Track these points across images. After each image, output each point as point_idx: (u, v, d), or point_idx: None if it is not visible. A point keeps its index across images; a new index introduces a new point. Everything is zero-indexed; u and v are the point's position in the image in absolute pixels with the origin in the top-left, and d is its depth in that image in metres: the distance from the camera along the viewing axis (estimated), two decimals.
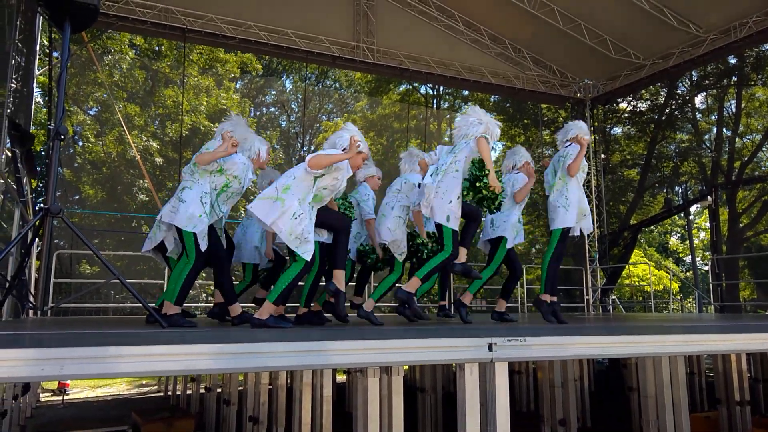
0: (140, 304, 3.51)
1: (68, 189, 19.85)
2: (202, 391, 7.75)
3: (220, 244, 4.38)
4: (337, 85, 28.43)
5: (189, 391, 8.40)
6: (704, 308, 14.62)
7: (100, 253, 3.63)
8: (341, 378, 10.45)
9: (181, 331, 3.22)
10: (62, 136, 3.52)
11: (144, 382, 11.93)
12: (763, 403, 7.82)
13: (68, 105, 18.72)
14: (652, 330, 3.75)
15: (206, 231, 4.15)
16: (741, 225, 20.71)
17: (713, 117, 22.23)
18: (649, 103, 21.93)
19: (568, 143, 5.52)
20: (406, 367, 8.23)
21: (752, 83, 20.61)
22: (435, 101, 27.61)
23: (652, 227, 25.50)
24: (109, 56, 19.64)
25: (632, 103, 21.81)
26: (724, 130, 21.49)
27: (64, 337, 2.61)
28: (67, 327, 3.86)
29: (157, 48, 20.95)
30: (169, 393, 9.66)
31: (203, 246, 4.08)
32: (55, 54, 12.06)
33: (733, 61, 19.25)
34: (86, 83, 19.67)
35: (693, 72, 19.27)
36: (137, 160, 16.09)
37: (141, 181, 19.43)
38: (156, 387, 11.23)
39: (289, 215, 3.81)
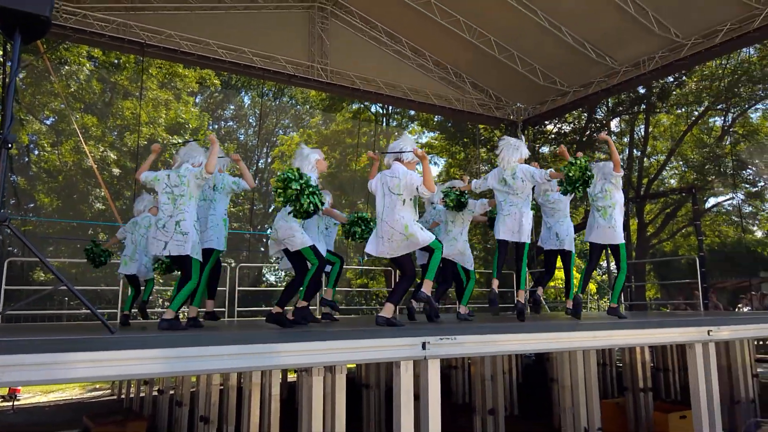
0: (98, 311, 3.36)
1: (22, 197, 18.92)
2: (155, 393, 7.46)
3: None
4: (294, 102, 28.22)
5: (142, 394, 8.05)
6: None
7: (48, 261, 3.45)
8: (293, 377, 10.30)
9: (131, 337, 3.10)
10: (10, 145, 3.31)
11: (97, 386, 11.30)
12: (663, 390, 8.15)
13: (23, 114, 17.79)
14: (567, 327, 3.86)
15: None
16: (647, 234, 21.61)
17: (626, 139, 23.14)
18: (572, 125, 22.64)
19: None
20: (354, 366, 8.19)
21: (658, 110, 21.58)
22: (384, 119, 27.74)
23: (574, 235, 26.24)
24: (66, 67, 18.79)
25: (558, 125, 22.47)
26: (635, 150, 22.41)
27: (9, 344, 2.47)
28: (15, 334, 3.67)
29: (115, 61, 20.17)
30: (123, 396, 9.23)
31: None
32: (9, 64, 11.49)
33: (642, 90, 20.06)
34: (42, 93, 18.80)
35: (609, 99, 20.01)
36: (93, 169, 15.47)
37: (98, 190, 18.70)
38: (109, 390, 10.66)
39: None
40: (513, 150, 5.64)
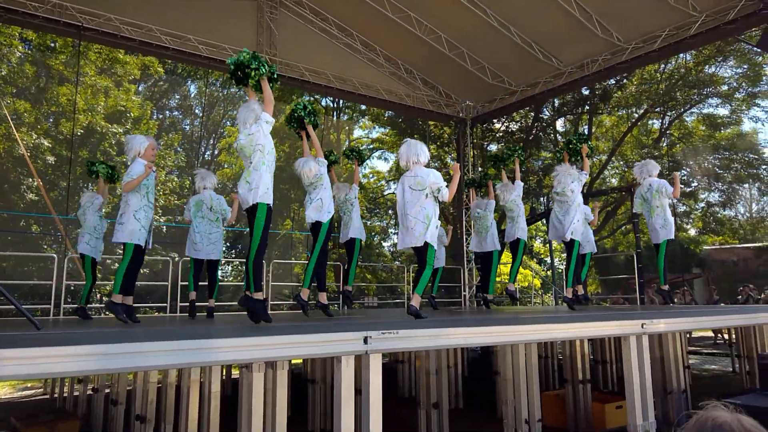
0: (31, 306, 3.17)
1: None
2: (90, 392, 7.17)
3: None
4: (242, 93, 27.67)
5: (76, 393, 7.72)
6: (559, 302, 15.54)
7: None
8: (237, 373, 10.11)
9: (61, 333, 2.96)
10: None
11: (29, 385, 10.75)
12: (601, 381, 8.43)
13: None
14: (509, 321, 3.92)
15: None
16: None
17: None
18: (519, 124, 23.10)
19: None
20: (300, 361, 8.11)
21: (600, 112, 22.32)
22: (335, 113, 27.58)
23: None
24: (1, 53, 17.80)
25: (505, 124, 22.88)
26: None
27: None
28: None
29: (51, 44, 19.16)
30: (55, 395, 8.80)
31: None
32: None
33: (586, 92, 20.66)
34: None
35: (555, 99, 20.52)
36: (25, 157, 14.67)
37: (30, 180, 17.74)
38: (42, 390, 10.15)
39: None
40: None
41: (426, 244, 4.83)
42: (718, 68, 21.35)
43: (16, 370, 1.93)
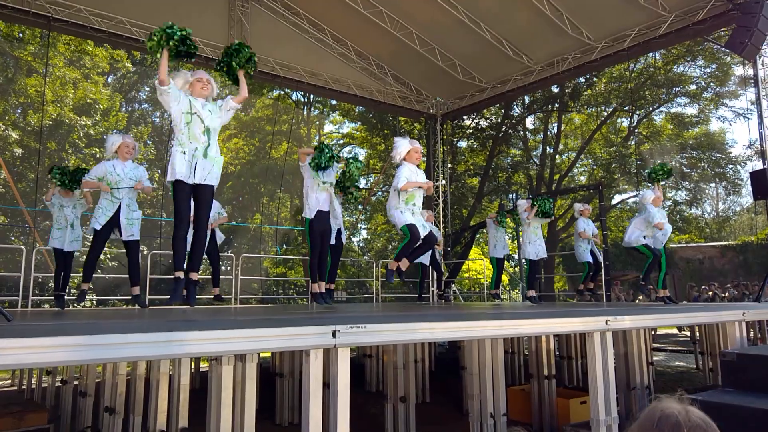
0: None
1: None
2: (59, 384, 7.13)
3: None
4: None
5: (44, 385, 7.68)
6: (526, 298, 15.80)
7: None
8: (205, 366, 10.09)
9: (31, 324, 2.97)
10: None
11: None
12: (566, 377, 8.64)
13: None
14: (475, 317, 4.02)
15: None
16: (557, 228, 22.69)
17: (540, 136, 24.09)
18: (489, 121, 23.30)
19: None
20: (269, 354, 8.15)
21: (570, 110, 22.63)
22: (306, 108, 27.43)
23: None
24: None
25: (475, 121, 23.07)
26: (548, 148, 23.41)
27: None
28: None
29: (19, 34, 18.78)
30: (23, 387, 8.75)
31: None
32: None
33: (555, 90, 20.93)
34: None
35: (525, 97, 20.76)
36: None
37: None
38: (9, 381, 10.08)
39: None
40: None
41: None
42: (686, 68, 21.69)
43: None
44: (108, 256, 17.40)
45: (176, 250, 4.50)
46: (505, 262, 10.22)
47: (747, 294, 14.93)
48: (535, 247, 9.13)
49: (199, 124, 4.55)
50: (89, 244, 5.98)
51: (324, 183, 6.29)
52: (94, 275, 6.17)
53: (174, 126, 4.61)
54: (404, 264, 5.53)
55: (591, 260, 9.56)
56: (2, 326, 2.77)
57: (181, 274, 4.49)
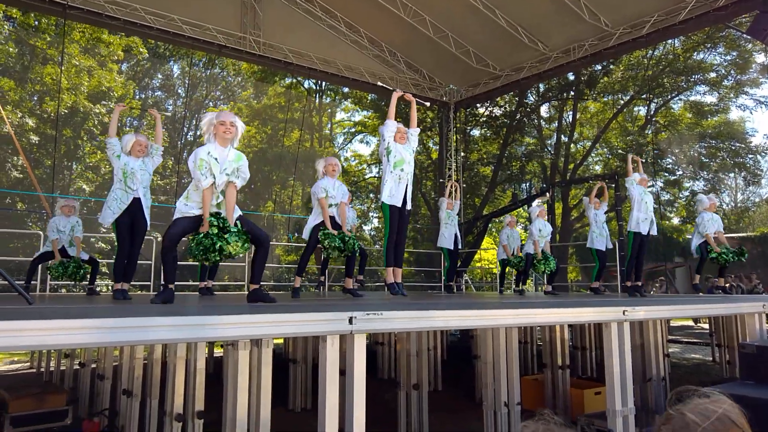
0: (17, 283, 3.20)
1: None
2: (77, 366, 7.27)
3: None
4: (225, 73, 27.39)
5: (63, 367, 7.83)
6: (539, 288, 15.76)
7: None
8: (220, 352, 10.21)
9: (51, 307, 3.02)
10: None
11: (15, 359, 10.88)
12: (580, 367, 8.63)
13: None
14: (491, 305, 4.03)
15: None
16: (571, 218, 22.53)
17: (554, 125, 23.83)
18: (503, 109, 23.10)
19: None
20: (281, 341, 8.22)
21: (585, 98, 22.34)
22: (318, 95, 27.40)
23: (500, 218, 27.14)
24: None
25: (489, 109, 22.89)
26: (562, 136, 23.18)
27: None
28: None
29: (35, 23, 18.97)
30: (42, 369, 8.95)
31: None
32: None
33: (571, 77, 20.67)
34: None
35: (540, 84, 20.55)
36: (11, 135, 14.60)
37: (15, 158, 17.69)
38: (28, 364, 10.30)
39: None
40: None
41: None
42: (706, 55, 21.26)
43: (12, 342, 2.00)
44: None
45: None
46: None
47: (740, 287, 14.53)
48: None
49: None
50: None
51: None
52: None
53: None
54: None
55: (603, 248, 9.43)
56: (25, 309, 2.82)
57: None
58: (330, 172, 6.17)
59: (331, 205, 6.05)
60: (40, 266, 7.72)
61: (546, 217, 9.99)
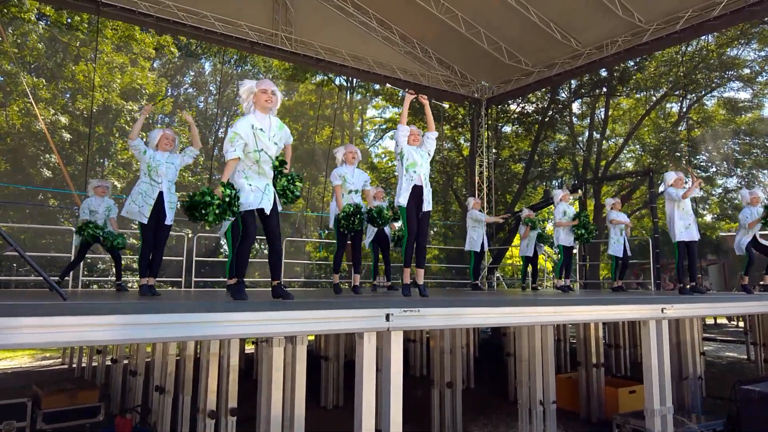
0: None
1: None
2: (108, 363, 7.31)
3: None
4: (256, 70, 27.56)
5: (94, 364, 7.87)
6: (571, 285, 15.51)
7: None
8: (250, 348, 10.25)
9: (84, 303, 2.99)
10: None
11: (47, 355, 10.99)
12: (614, 365, 8.43)
13: None
14: (527, 303, 3.91)
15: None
16: (603, 215, 22.10)
17: (586, 121, 23.46)
18: (534, 105, 22.81)
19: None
20: (312, 338, 8.19)
21: (618, 94, 21.94)
22: (348, 92, 27.40)
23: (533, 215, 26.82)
24: (17, 25, 17.89)
25: (521, 105, 22.62)
26: (594, 133, 22.78)
27: None
28: None
29: (68, 21, 19.27)
30: (74, 366, 8.99)
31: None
32: None
33: (604, 73, 20.32)
34: None
35: (572, 81, 20.21)
36: (45, 133, 14.85)
37: (48, 155, 18.00)
38: (60, 360, 10.38)
39: None
40: None
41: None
42: (740, 51, 20.84)
43: (50, 338, 1.96)
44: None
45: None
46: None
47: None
48: (567, 233, 9.19)
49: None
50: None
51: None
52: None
53: None
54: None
55: (621, 255, 9.30)
56: (60, 304, 2.79)
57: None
58: (349, 160, 6.26)
59: (350, 191, 6.11)
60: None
61: (570, 200, 9.71)
